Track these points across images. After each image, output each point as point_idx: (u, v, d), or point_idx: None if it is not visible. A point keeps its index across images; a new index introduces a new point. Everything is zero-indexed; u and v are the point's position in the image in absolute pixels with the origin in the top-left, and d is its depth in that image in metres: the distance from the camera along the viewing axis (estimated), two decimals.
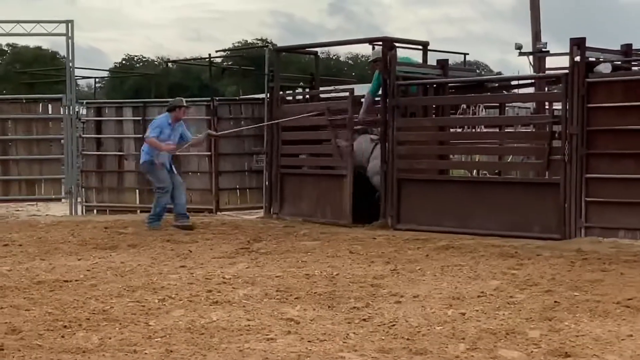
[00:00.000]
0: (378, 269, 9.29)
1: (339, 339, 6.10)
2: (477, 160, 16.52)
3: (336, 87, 16.56)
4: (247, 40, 67.97)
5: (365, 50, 73.34)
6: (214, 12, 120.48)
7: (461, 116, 14.93)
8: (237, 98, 18.91)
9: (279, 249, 11.12)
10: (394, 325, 6.54)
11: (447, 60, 14.83)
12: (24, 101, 18.20)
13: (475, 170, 15.39)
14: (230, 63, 44.55)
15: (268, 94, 15.80)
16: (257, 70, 35.82)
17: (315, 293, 7.87)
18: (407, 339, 6.09)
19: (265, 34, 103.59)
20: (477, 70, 44.16)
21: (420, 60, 14.77)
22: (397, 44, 14.05)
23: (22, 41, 72.17)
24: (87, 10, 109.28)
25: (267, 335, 6.23)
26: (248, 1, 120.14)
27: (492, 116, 15.81)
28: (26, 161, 17.62)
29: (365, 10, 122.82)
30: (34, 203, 18.51)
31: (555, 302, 7.33)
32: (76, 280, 8.63)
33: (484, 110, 15.82)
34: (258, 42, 64.42)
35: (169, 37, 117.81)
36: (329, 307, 7.28)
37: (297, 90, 17.12)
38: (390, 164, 13.63)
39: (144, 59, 76.47)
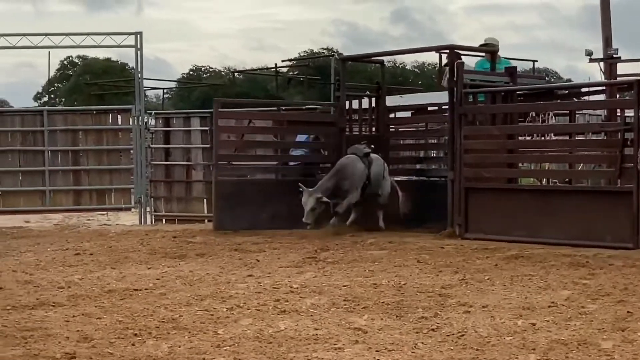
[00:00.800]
0: (446, 279, 9.22)
1: (407, 349, 6.05)
2: (546, 168, 16.30)
3: (402, 95, 16.52)
4: (312, 50, 68.24)
5: (431, 58, 73.17)
6: (277, 22, 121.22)
7: (530, 124, 14.75)
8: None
9: (346, 258, 11.09)
10: (462, 335, 6.47)
11: (516, 67, 14.69)
12: (94, 112, 18.49)
13: (544, 179, 15.19)
14: (295, 73, 44.68)
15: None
16: (323, 80, 36.01)
17: (382, 302, 7.82)
18: (477, 350, 6.02)
19: (327, 43, 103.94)
20: (547, 78, 43.72)
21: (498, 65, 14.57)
22: (464, 52, 13.95)
23: (92, 53, 73.34)
24: (152, 22, 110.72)
25: (334, 344, 6.20)
26: (310, 11, 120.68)
27: (562, 124, 15.59)
28: (96, 171, 17.87)
29: (429, 17, 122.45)
30: (104, 212, 18.76)
31: (628, 312, 7.19)
32: (146, 289, 8.70)
33: (553, 117, 15.62)
34: (324, 51, 64.63)
35: (233, 48, 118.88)
36: (396, 316, 7.24)
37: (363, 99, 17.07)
38: (457, 172, 13.53)
39: (210, 70, 77.20)
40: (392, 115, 16.17)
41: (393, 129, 16.22)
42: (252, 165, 16.23)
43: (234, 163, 15.82)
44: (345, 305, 7.74)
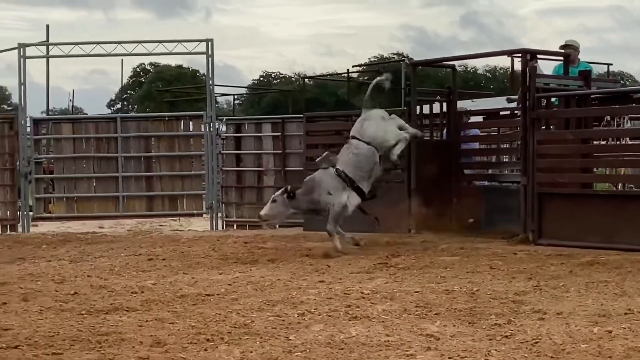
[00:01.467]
0: (519, 285, 9.10)
1: (480, 356, 5.98)
2: (622, 173, 16.02)
3: (474, 100, 16.39)
4: (383, 55, 68.10)
5: (503, 62, 72.52)
6: (345, 28, 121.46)
7: (605, 128, 14.51)
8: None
9: (417, 264, 11.02)
10: (537, 342, 6.37)
11: (590, 71, 14.47)
12: (167, 119, 18.69)
13: (620, 184, 14.93)
14: (366, 78, 44.65)
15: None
16: (394, 85, 35.93)
17: (455, 309, 7.75)
18: (551, 357, 5.92)
19: (396, 48, 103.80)
20: (622, 81, 43.05)
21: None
22: (537, 56, 13.79)
23: (164, 60, 74.21)
24: (220, 28, 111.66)
25: (406, 351, 6.16)
26: (378, 16, 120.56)
27: (638, 128, 15.32)
28: (169, 177, 18.05)
29: (497, 21, 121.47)
30: (177, 218, 18.93)
31: None
32: (218, 294, 8.75)
33: (629, 121, 15.34)
34: (394, 56, 64.46)
35: (301, 53, 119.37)
36: (469, 323, 7.16)
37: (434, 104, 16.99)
38: (530, 177, 13.36)
39: (280, 76, 77.56)
40: (463, 120, 16.06)
41: (464, 134, 16.09)
42: None
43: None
44: (417, 311, 7.69)
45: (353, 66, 46.22)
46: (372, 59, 65.84)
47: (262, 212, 12.66)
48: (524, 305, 7.87)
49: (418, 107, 15.67)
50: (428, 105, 15.92)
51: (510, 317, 7.35)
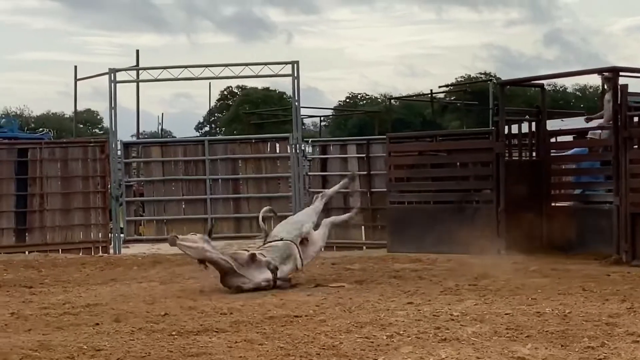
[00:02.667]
0: (613, 307, 8.90)
1: None
2: None
3: (563, 119, 16.18)
4: (469, 75, 67.73)
5: (593, 81, 71.42)
6: (428, 48, 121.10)
7: None
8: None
9: (507, 285, 10.86)
10: None
11: None
12: (254, 141, 18.86)
13: None
14: (452, 98, 44.47)
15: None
16: (481, 105, 35.68)
17: (546, 331, 7.61)
18: None
19: (479, 68, 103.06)
20: None
21: None
22: (628, 74, 13.57)
23: (250, 83, 74.95)
24: (302, 50, 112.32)
25: None
26: (461, 36, 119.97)
27: None
28: (256, 199, 18.18)
29: (582, 39, 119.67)
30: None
31: None
32: (306, 316, 8.75)
33: None
34: (481, 76, 64.03)
35: (384, 74, 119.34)
36: (561, 346, 7.02)
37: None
38: (623, 197, 13.10)
39: (366, 97, 77.66)
40: (553, 140, 15.86)
41: (554, 154, 15.90)
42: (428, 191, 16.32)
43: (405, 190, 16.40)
44: (507, 333, 7.57)
45: (440, 87, 46.08)
46: (458, 79, 65.48)
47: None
48: (617, 328, 7.69)
49: (506, 127, 15.51)
50: (517, 125, 15.75)
51: (603, 339, 7.19)
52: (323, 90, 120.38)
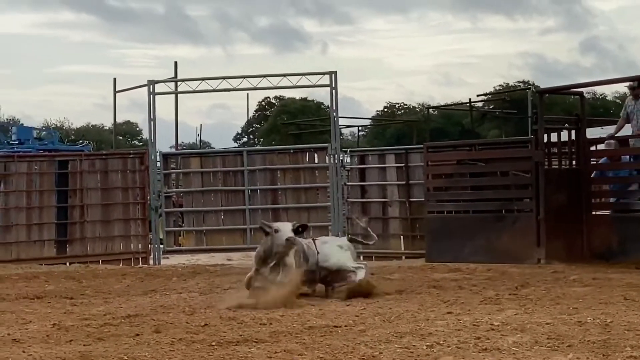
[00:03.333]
0: None
1: None
2: None
3: (603, 127, 16.07)
4: (508, 83, 67.41)
5: None
6: (464, 57, 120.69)
7: None
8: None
9: (548, 295, 10.79)
10: None
11: None
12: (292, 151, 18.89)
13: None
14: (491, 107, 44.29)
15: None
16: (520, 113, 35.50)
17: (588, 341, 7.54)
18: None
19: (515, 76, 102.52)
20: None
21: None
22: None
23: (288, 93, 75.17)
24: (338, 60, 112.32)
25: None
26: (497, 44, 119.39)
27: None
28: (295, 209, 18.19)
29: (619, 46, 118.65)
30: None
31: None
32: (345, 326, 8.73)
33: None
34: (519, 84, 63.71)
35: (420, 84, 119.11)
36: (603, 355, 6.95)
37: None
38: None
39: (404, 106, 77.56)
40: (592, 148, 15.75)
41: (594, 162, 15.78)
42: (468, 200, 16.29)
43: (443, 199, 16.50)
44: (548, 343, 7.51)
45: (478, 95, 45.91)
46: (496, 88, 65.19)
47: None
48: None
49: (546, 135, 15.43)
50: (556, 133, 15.66)
51: None
52: (359, 100, 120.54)
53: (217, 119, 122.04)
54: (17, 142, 40.86)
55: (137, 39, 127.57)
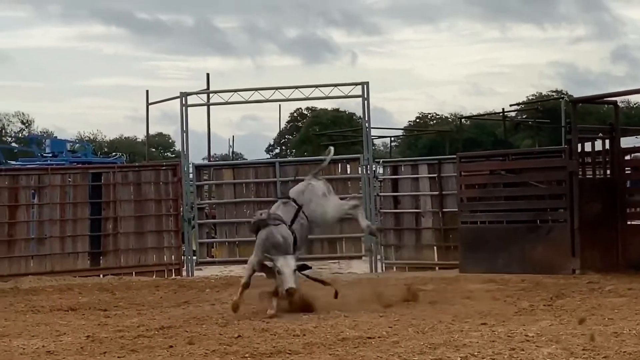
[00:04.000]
0: None
1: None
2: None
3: (638, 136, 15.95)
4: (541, 93, 67.07)
5: None
6: (494, 67, 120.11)
7: None
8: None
9: (583, 305, 10.70)
10: None
11: None
12: None
13: None
14: (524, 117, 44.05)
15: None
16: (553, 123, 35.30)
17: (624, 352, 7.46)
18: None
19: (546, 86, 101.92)
20: None
21: None
22: None
23: (320, 104, 75.18)
24: (367, 71, 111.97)
25: None
26: (527, 54, 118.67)
27: None
28: None
29: None
30: (336, 261, 19.00)
31: None
32: (379, 337, 8.70)
33: None
34: (552, 93, 63.36)
35: (450, 94, 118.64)
36: None
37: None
38: None
39: (437, 116, 77.36)
40: (627, 157, 15.62)
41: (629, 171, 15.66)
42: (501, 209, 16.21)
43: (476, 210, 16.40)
44: (584, 354, 7.44)
45: (511, 105, 45.68)
46: (529, 97, 64.86)
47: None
48: None
49: (579, 145, 15.33)
50: (590, 143, 15.55)
51: None
52: (390, 111, 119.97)
53: (248, 130, 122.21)
54: (50, 154, 41.13)
55: (167, 51, 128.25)
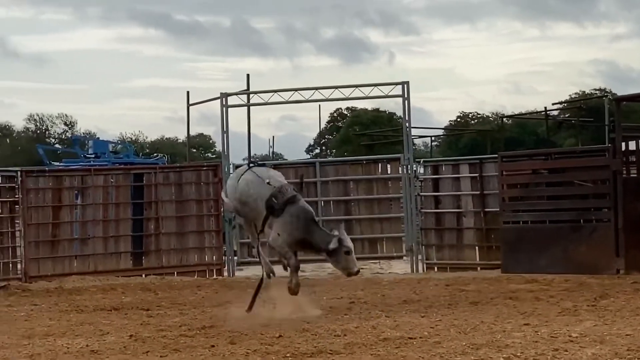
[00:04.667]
0: None
1: None
2: None
3: None
4: (583, 91, 66.50)
5: None
6: (533, 66, 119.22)
7: None
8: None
9: (628, 306, 10.59)
10: None
11: None
12: (364, 162, 18.85)
13: None
14: (566, 115, 43.67)
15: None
16: (596, 121, 34.99)
17: None
18: None
19: (587, 84, 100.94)
20: None
21: None
22: None
23: (360, 104, 75.10)
24: (405, 71, 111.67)
25: None
26: (567, 52, 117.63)
27: None
28: (368, 220, 18.14)
29: None
30: (377, 261, 18.96)
31: None
32: (420, 337, 8.67)
33: None
34: (595, 92, 62.80)
35: (489, 93, 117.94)
36: None
37: None
38: None
39: (478, 116, 76.99)
40: None
41: None
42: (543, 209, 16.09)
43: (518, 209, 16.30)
44: (629, 355, 7.37)
45: (553, 104, 45.33)
46: (572, 96, 64.34)
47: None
48: None
49: (623, 144, 15.16)
50: (634, 142, 15.38)
51: None
52: (429, 110, 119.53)
53: (287, 130, 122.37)
54: (93, 155, 41.49)
55: (205, 52, 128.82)
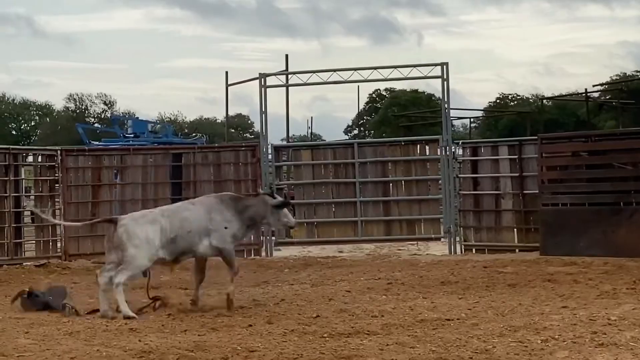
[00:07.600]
0: None
1: None
2: None
3: None
4: (625, 73, 65.77)
5: None
6: (567, 48, 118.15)
7: None
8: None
9: None
10: None
11: None
12: (403, 143, 18.78)
13: None
14: (607, 97, 43.26)
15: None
16: (637, 103, 34.64)
17: None
18: None
19: (618, 66, 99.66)
20: None
21: None
22: None
23: (399, 85, 74.87)
24: (437, 52, 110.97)
25: None
26: (596, 35, 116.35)
27: None
28: (406, 202, 18.09)
29: None
30: (415, 242, 18.94)
31: None
32: (458, 319, 8.66)
33: None
34: (637, 74, 62.09)
35: (524, 75, 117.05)
36: None
37: None
38: None
39: (517, 97, 76.50)
40: None
41: None
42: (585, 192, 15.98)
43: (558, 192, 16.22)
44: None
45: (594, 85, 44.91)
46: (613, 77, 63.67)
47: None
48: None
49: None
50: None
51: None
52: (462, 92, 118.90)
53: (319, 111, 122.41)
54: (132, 135, 41.79)
55: (235, 32, 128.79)
